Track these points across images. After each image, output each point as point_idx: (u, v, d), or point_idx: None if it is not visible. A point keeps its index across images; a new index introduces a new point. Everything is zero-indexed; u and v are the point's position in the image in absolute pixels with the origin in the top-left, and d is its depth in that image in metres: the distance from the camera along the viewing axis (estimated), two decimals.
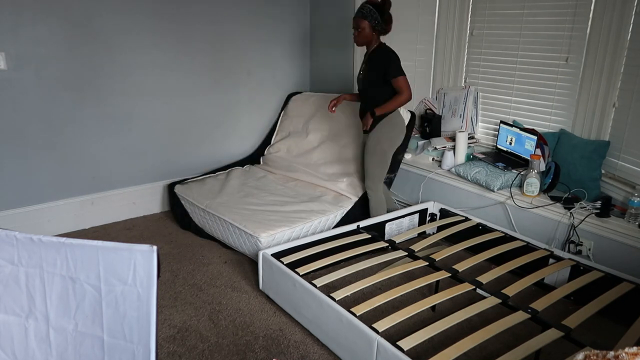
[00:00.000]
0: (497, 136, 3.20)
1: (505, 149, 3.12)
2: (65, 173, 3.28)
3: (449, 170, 3.21)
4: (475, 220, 2.94)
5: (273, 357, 2.15)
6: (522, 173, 2.86)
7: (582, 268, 2.44)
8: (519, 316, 2.04)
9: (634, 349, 0.96)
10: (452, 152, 3.24)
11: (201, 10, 3.61)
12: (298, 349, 2.20)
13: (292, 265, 2.44)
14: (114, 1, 3.20)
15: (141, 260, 1.26)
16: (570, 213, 2.57)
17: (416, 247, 2.66)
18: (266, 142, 4.10)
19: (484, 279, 2.31)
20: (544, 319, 2.04)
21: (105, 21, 3.20)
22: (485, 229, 2.86)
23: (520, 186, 2.83)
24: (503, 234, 2.76)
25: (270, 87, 4.14)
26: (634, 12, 2.46)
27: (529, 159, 2.79)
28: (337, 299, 2.13)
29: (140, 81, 3.45)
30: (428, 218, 3.22)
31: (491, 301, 2.15)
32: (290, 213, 3.03)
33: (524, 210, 2.75)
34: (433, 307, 2.43)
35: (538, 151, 2.84)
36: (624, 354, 0.95)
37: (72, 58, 3.13)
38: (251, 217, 2.95)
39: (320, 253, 2.61)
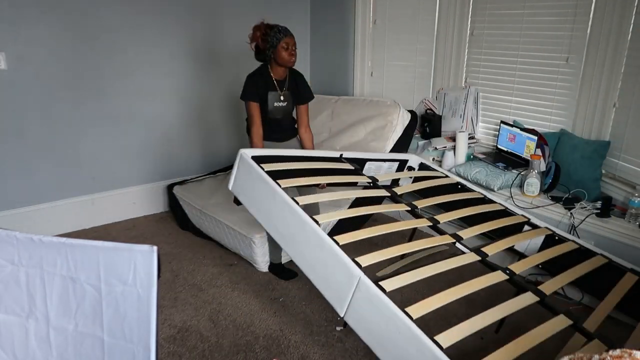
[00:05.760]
0: (497, 136, 3.20)
1: (505, 149, 3.12)
2: (65, 173, 3.28)
3: (449, 170, 3.21)
4: (455, 179, 2.86)
5: (273, 357, 2.15)
6: (522, 173, 2.86)
7: (557, 238, 2.42)
8: (498, 276, 1.98)
9: (618, 352, 0.99)
10: (452, 152, 3.24)
11: (201, 10, 3.61)
12: (298, 349, 2.20)
13: (273, 175, 2.23)
14: (114, 1, 3.21)
15: (141, 261, 1.26)
16: (571, 213, 2.57)
17: (398, 190, 2.55)
18: None
19: (464, 234, 2.24)
20: (521, 283, 1.99)
21: (105, 21, 3.20)
22: (464, 189, 2.77)
23: (521, 186, 2.83)
24: (482, 196, 2.69)
25: None
26: (634, 12, 2.46)
27: (529, 159, 2.79)
28: (320, 222, 2.00)
29: (140, 81, 3.45)
30: (406, 170, 3.13)
31: (471, 257, 2.08)
32: None
33: (524, 210, 2.75)
34: (412, 253, 2.36)
35: (538, 151, 2.84)
36: (608, 357, 0.98)
37: (72, 58, 3.14)
38: (246, 218, 2.95)
39: (302, 170, 2.44)
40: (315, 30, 4.24)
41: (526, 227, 2.53)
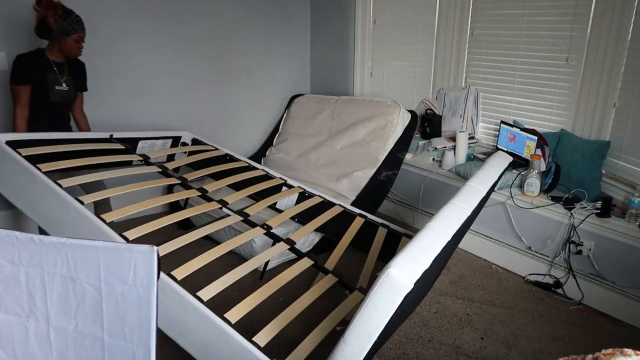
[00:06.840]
0: (497, 136, 3.20)
1: (505, 149, 3.12)
2: None
3: (449, 170, 3.21)
4: (224, 150, 3.20)
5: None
6: (522, 173, 2.86)
7: (307, 195, 2.90)
8: (258, 231, 2.39)
9: (610, 350, 1.03)
10: (452, 152, 3.24)
11: (202, 10, 3.61)
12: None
13: (33, 159, 2.19)
14: (114, 1, 3.20)
15: (141, 261, 1.25)
16: (571, 213, 2.57)
17: (169, 165, 2.79)
18: (268, 143, 4.10)
19: (230, 199, 2.55)
20: (276, 234, 2.48)
21: (105, 22, 3.20)
22: (232, 159, 3.13)
23: (521, 186, 2.83)
24: (247, 164, 3.08)
25: (271, 88, 4.14)
26: (634, 12, 2.46)
27: (530, 159, 2.79)
28: (85, 203, 2.02)
29: (141, 82, 3.45)
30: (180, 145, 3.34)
31: (235, 218, 2.40)
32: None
33: (524, 210, 2.75)
34: (180, 224, 2.70)
35: (538, 151, 2.84)
36: (601, 356, 1.03)
37: None
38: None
39: (69, 153, 2.44)
40: (315, 30, 4.24)
41: (284, 188, 2.96)
